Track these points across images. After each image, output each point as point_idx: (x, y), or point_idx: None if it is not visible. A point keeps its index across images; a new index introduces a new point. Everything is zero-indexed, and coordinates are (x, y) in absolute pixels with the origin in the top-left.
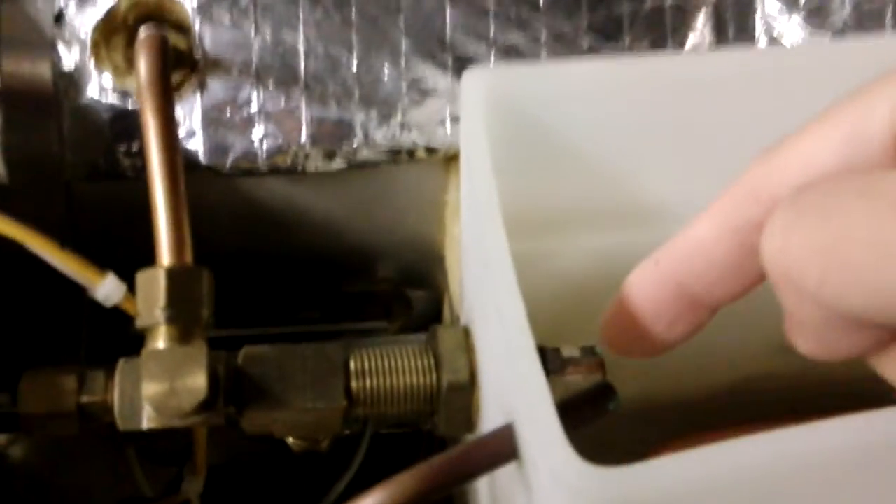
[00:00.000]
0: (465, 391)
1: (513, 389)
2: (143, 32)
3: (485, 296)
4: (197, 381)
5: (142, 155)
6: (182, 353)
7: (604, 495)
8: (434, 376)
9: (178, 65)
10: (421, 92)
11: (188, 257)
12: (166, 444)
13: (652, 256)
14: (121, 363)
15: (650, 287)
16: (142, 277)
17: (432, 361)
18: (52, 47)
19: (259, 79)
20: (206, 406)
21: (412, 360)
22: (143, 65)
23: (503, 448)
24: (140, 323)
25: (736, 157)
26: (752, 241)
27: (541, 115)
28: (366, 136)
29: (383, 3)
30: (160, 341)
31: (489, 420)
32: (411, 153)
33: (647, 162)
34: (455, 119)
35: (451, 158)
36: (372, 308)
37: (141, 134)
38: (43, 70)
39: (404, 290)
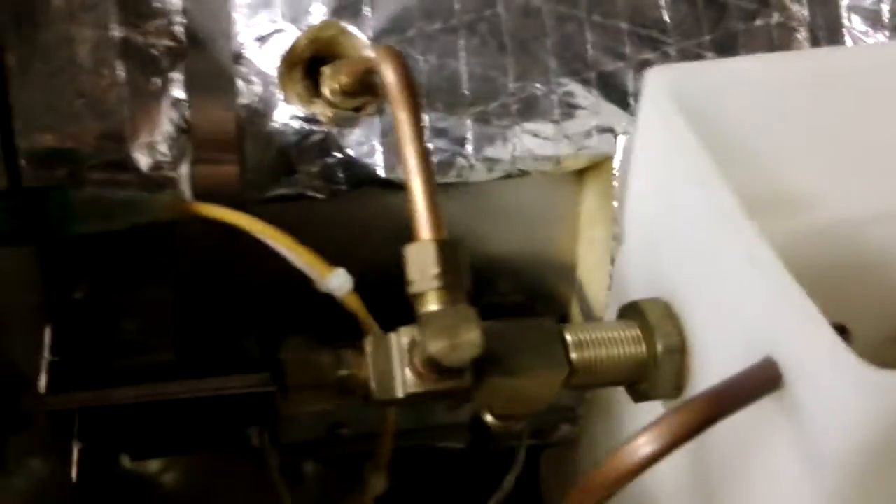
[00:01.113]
0: (678, 354)
1: (777, 325)
2: (375, 49)
3: (718, 262)
4: (474, 336)
5: (321, 176)
6: (456, 312)
7: None
8: (646, 344)
9: (360, 91)
10: (570, 106)
11: (445, 233)
12: (311, 462)
13: None
14: (370, 339)
15: None
16: (412, 250)
17: (640, 332)
18: (233, 83)
19: (428, 100)
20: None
21: (621, 332)
22: (389, 71)
23: (767, 378)
24: (413, 289)
25: (890, 151)
26: None
27: (706, 107)
28: (523, 147)
29: (531, 29)
30: (434, 305)
31: (701, 382)
32: (559, 161)
33: (804, 153)
34: (601, 129)
35: (589, 168)
36: None
37: (395, 130)
38: (226, 104)
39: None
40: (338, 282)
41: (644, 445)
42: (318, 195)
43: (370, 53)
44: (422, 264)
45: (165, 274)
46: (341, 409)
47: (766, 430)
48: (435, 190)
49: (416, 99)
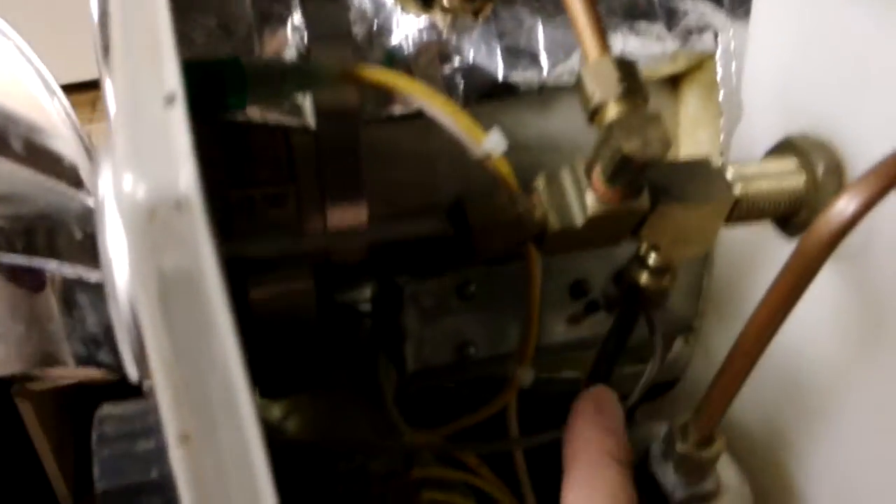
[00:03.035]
0: (836, 175)
1: None
2: None
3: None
4: (663, 132)
5: (442, 86)
6: (641, 115)
7: None
8: (804, 172)
9: None
10: (671, 7)
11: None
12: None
13: None
14: (541, 176)
15: None
16: (587, 69)
17: (796, 163)
18: (347, 9)
19: (538, 3)
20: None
21: (778, 164)
22: None
23: None
24: (594, 102)
25: None
26: None
27: None
28: (630, 47)
29: None
30: (617, 112)
31: None
32: (666, 60)
33: None
34: (700, 29)
35: (687, 73)
36: None
37: None
38: (340, 31)
39: None
40: (492, 143)
41: (849, 203)
42: None
43: None
44: (600, 77)
45: (286, 201)
46: (468, 326)
47: None
48: (598, 16)
49: None
